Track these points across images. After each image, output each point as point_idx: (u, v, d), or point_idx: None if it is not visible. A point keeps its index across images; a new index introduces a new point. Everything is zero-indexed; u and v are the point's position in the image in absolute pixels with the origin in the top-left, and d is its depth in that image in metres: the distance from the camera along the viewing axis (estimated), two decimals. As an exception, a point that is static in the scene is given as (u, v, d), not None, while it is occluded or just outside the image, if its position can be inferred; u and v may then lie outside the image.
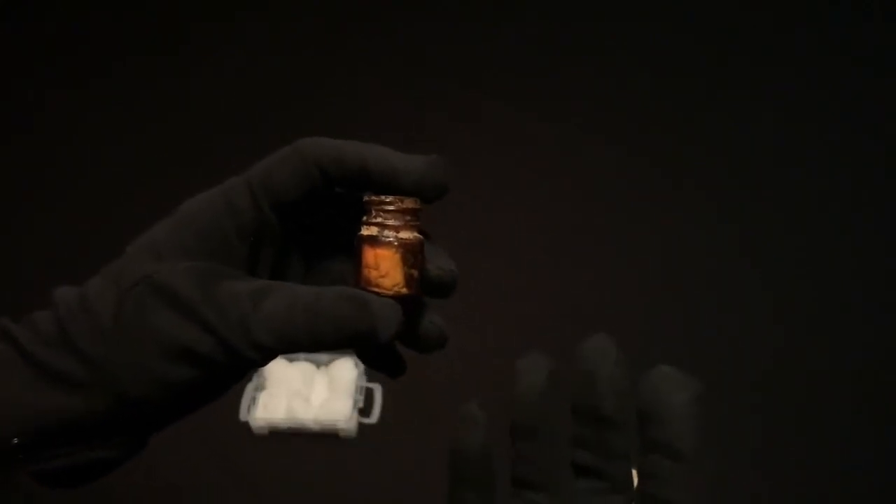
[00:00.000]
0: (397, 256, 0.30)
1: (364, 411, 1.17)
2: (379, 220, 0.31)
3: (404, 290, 0.30)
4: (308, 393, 1.17)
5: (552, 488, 0.27)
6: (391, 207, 0.31)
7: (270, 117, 1.67)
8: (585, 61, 1.74)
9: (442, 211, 1.33)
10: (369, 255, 0.30)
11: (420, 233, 0.31)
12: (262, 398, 1.17)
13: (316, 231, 0.35)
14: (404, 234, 0.30)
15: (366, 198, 0.31)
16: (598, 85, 1.68)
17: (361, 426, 1.17)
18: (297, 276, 0.35)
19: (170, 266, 0.31)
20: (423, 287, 0.31)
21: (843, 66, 1.67)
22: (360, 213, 0.32)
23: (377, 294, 0.30)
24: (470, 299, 1.33)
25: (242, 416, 1.16)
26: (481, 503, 0.28)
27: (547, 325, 1.29)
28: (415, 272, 0.30)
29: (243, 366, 0.31)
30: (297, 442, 1.16)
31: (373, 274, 0.30)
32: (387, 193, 0.31)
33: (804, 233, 1.39)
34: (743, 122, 1.59)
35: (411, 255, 0.30)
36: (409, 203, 0.31)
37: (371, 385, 1.19)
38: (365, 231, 0.31)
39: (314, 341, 0.30)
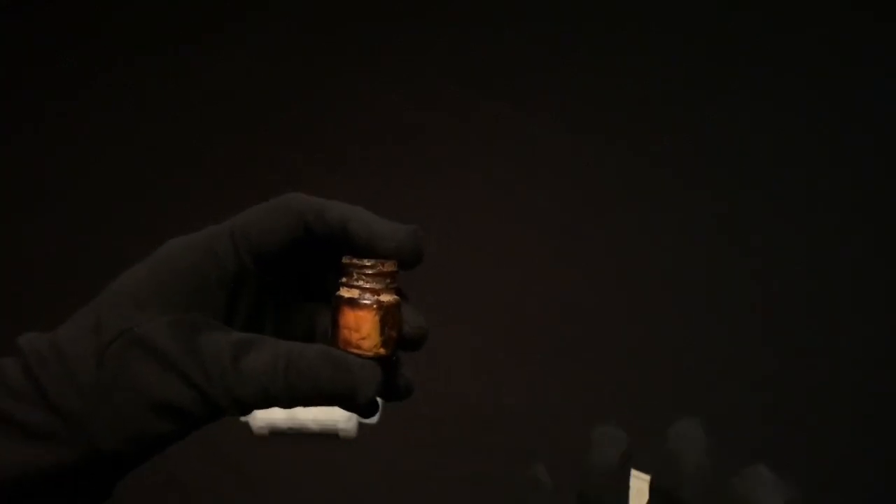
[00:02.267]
0: (377, 319, 0.31)
1: (364, 411, 1.17)
2: (360, 283, 0.31)
3: (382, 351, 0.31)
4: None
5: None
6: (371, 271, 0.31)
7: (270, 118, 1.67)
8: (586, 61, 1.74)
9: (442, 212, 1.34)
10: (350, 317, 0.31)
11: (398, 292, 0.32)
12: (262, 398, 1.17)
13: (292, 280, 0.35)
14: (384, 297, 0.31)
15: (345, 260, 0.32)
16: (597, 85, 1.68)
17: (361, 426, 1.17)
18: (271, 323, 0.35)
19: (150, 318, 0.30)
20: (398, 343, 0.32)
21: (845, 67, 1.67)
22: (335, 264, 0.32)
23: (357, 355, 0.30)
24: (470, 299, 1.33)
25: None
26: None
27: (547, 325, 1.29)
28: (393, 333, 0.31)
29: (219, 417, 0.31)
30: (297, 442, 1.16)
31: (353, 336, 0.31)
32: (364, 254, 0.32)
33: (805, 232, 1.39)
34: (743, 123, 1.59)
35: (390, 317, 0.31)
36: (388, 266, 0.31)
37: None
38: (345, 293, 0.31)
39: (293, 399, 0.30)
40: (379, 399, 0.33)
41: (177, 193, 1.46)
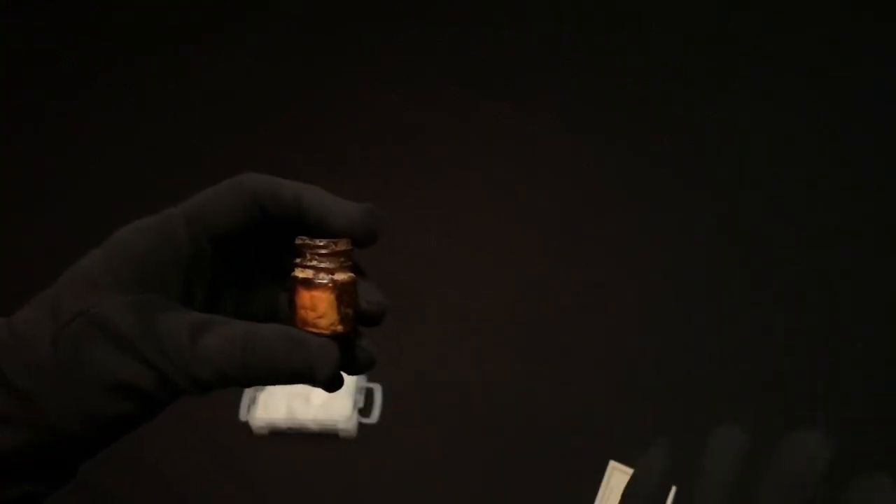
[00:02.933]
0: (332, 297, 0.31)
1: (364, 411, 1.17)
2: (314, 262, 0.31)
3: (340, 329, 0.31)
4: (308, 393, 1.17)
5: None
6: (325, 251, 0.31)
7: (270, 118, 1.67)
8: (586, 61, 1.74)
9: (442, 212, 1.33)
10: (305, 297, 0.31)
11: (353, 270, 0.32)
12: (262, 398, 1.17)
13: (249, 260, 0.35)
14: (339, 276, 0.31)
15: (298, 241, 0.32)
16: (597, 85, 1.68)
17: (361, 426, 1.17)
18: (230, 304, 0.35)
19: (108, 299, 0.30)
20: (357, 320, 0.33)
21: (845, 67, 1.67)
22: (292, 244, 0.32)
23: (314, 334, 0.31)
24: (468, 300, 1.33)
25: (242, 416, 1.16)
26: None
27: (546, 325, 1.29)
28: (350, 311, 0.31)
29: (178, 398, 0.31)
30: (297, 442, 1.16)
31: (310, 315, 0.31)
32: (318, 233, 0.32)
33: (805, 232, 1.39)
34: (743, 123, 1.59)
35: (346, 295, 0.31)
36: (342, 245, 0.32)
37: (371, 385, 1.19)
38: (300, 273, 0.31)
39: (251, 378, 0.30)
40: (344, 375, 0.33)
41: (177, 193, 1.45)
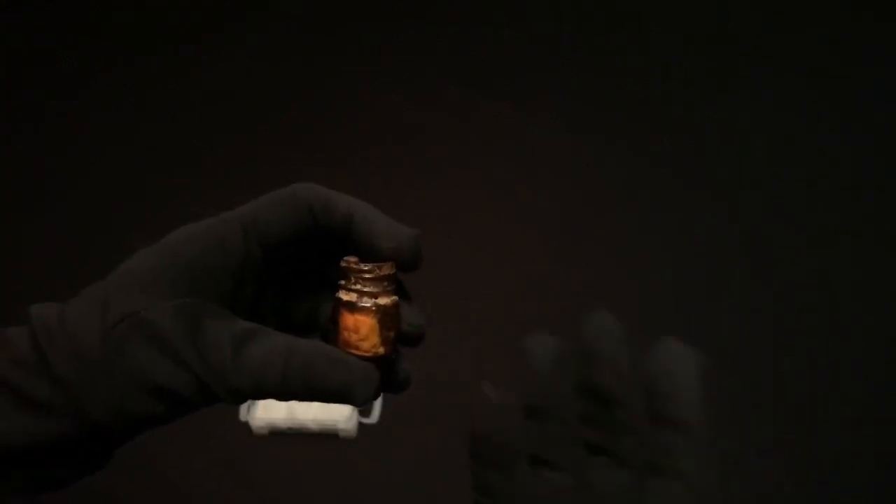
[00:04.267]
0: (375, 322, 0.32)
1: (364, 411, 1.17)
2: (358, 286, 0.32)
3: (381, 351, 0.32)
4: (308, 393, 1.17)
5: (566, 466, 0.28)
6: (369, 275, 0.32)
7: (270, 118, 1.67)
8: (586, 61, 1.74)
9: (442, 212, 1.34)
10: (349, 319, 0.31)
11: (396, 292, 0.33)
12: (262, 398, 1.17)
13: (295, 267, 0.36)
14: (382, 300, 0.32)
15: (343, 263, 0.32)
16: (597, 85, 1.68)
17: (361, 426, 1.17)
18: (275, 310, 0.36)
19: (156, 303, 0.31)
20: (397, 341, 0.33)
21: (845, 67, 1.67)
22: (341, 253, 0.33)
23: (356, 356, 0.31)
24: (470, 299, 1.33)
25: (242, 416, 1.16)
26: (503, 483, 0.29)
27: (547, 325, 1.29)
28: (391, 334, 0.32)
29: (213, 404, 0.32)
30: (297, 442, 1.16)
31: (352, 337, 0.31)
32: (364, 251, 0.33)
33: (805, 232, 1.39)
34: (743, 123, 1.59)
35: (388, 319, 0.32)
36: (386, 269, 0.32)
37: (371, 385, 1.19)
38: (344, 296, 0.32)
39: (289, 393, 0.31)
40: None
41: (177, 193, 1.46)
